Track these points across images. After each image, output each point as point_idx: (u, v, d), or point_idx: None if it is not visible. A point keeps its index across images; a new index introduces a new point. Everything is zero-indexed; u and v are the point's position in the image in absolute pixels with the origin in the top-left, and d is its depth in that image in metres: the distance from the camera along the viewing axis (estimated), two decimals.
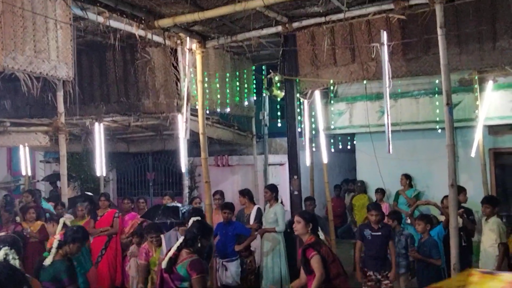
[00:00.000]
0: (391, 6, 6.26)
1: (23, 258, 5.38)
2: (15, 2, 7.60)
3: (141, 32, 6.99)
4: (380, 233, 7.06)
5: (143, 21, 6.45)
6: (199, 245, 4.85)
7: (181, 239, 4.96)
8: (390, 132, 7.45)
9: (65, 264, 5.00)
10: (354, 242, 10.40)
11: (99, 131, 10.83)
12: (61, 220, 6.83)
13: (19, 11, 7.86)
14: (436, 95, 9.96)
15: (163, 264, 4.80)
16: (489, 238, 7.26)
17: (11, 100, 11.68)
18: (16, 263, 3.97)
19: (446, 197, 7.38)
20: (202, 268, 4.71)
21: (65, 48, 8.71)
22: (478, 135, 9.51)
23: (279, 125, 13.11)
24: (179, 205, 9.10)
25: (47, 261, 4.93)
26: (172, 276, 4.73)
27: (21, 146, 11.60)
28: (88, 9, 6.52)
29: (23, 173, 13.08)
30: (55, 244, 5.06)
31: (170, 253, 4.81)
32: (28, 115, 11.03)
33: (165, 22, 6.45)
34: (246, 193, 8.73)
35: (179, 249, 4.82)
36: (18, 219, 8.78)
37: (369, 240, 7.15)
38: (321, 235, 5.25)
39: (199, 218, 6.20)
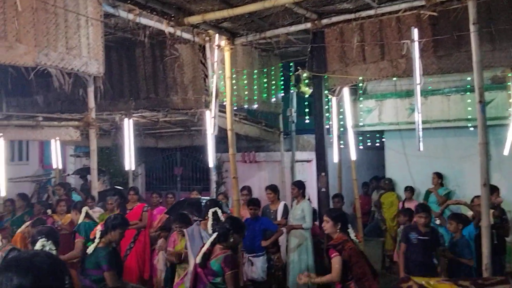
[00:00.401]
0: (422, 2, 6.19)
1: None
2: None
3: (171, 29, 7.08)
4: (427, 238, 6.67)
5: (172, 18, 6.52)
6: (231, 240, 4.92)
7: (214, 235, 5.02)
8: (421, 129, 7.37)
9: (106, 250, 5.13)
10: (383, 241, 10.42)
11: (128, 126, 10.99)
12: (84, 209, 6.99)
13: (52, 8, 8.04)
14: (468, 92, 9.81)
15: (198, 259, 4.88)
16: None
17: (43, 96, 11.95)
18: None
19: (477, 196, 7.29)
20: (235, 264, 4.80)
21: (96, 44, 8.88)
22: (511, 134, 9.33)
23: (307, 121, 13.12)
24: (203, 199, 9.17)
25: (89, 250, 5.11)
26: (206, 271, 4.80)
27: (52, 141, 11.81)
28: (118, 6, 6.64)
29: (54, 166, 13.35)
30: (97, 234, 5.21)
31: (204, 249, 4.89)
32: (59, 110, 11.25)
33: (195, 19, 6.51)
34: (274, 189, 8.75)
35: (212, 244, 4.89)
36: (49, 211, 8.98)
37: (414, 244, 6.69)
38: (351, 233, 5.22)
39: (217, 209, 6.27)
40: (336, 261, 4.92)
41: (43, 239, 4.13)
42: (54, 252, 4.10)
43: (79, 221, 7.05)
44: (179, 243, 7.00)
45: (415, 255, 6.69)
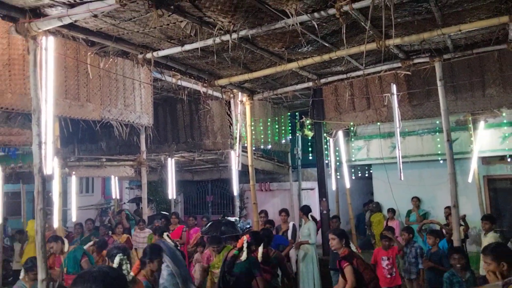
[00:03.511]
0: (399, 64, 6.23)
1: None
2: (111, 69, 8.00)
3: (204, 89, 7.20)
4: None
5: (206, 81, 6.63)
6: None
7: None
8: (401, 163, 7.32)
9: (254, 259, 5.11)
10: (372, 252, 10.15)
11: (171, 164, 11.06)
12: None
13: (114, 75, 8.25)
14: (437, 133, 9.75)
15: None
16: None
17: (106, 142, 12.13)
18: (128, 266, 3.88)
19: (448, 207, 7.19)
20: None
21: (147, 102, 9.06)
22: (473, 165, 9.21)
23: (310, 158, 13.10)
24: (233, 219, 9.11)
25: (243, 257, 5.06)
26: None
27: (112, 177, 11.94)
28: (164, 73, 6.80)
29: (113, 197, 13.42)
30: (245, 244, 5.14)
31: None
32: (118, 153, 11.40)
33: (223, 81, 6.62)
34: (287, 212, 8.65)
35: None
36: (110, 233, 8.98)
37: None
38: (353, 247, 5.07)
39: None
40: (349, 270, 4.73)
41: (120, 254, 3.89)
42: (128, 265, 3.89)
43: (65, 250, 6.43)
44: (215, 258, 6.90)
45: None
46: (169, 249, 6.62)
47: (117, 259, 3.82)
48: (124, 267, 3.82)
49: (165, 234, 7.01)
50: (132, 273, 3.92)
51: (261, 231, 6.28)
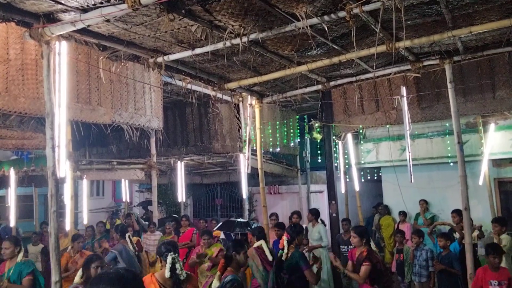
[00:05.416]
0: (408, 66, 6.18)
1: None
2: (122, 73, 8.06)
3: (213, 93, 7.20)
4: None
5: (215, 84, 6.63)
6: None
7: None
8: (411, 165, 7.25)
9: (300, 253, 5.09)
10: (382, 255, 10.06)
11: (180, 167, 11.09)
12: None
13: (124, 79, 8.31)
14: (447, 135, 9.66)
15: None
16: None
17: (116, 145, 12.19)
18: (180, 264, 3.66)
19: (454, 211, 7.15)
20: None
21: (157, 105, 9.11)
22: (484, 167, 9.11)
23: (319, 161, 13.06)
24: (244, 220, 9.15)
25: (284, 255, 5.07)
26: None
27: (122, 180, 11.98)
28: (174, 77, 6.82)
29: (123, 200, 13.47)
30: (285, 242, 5.16)
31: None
32: (128, 156, 11.45)
33: (232, 85, 6.61)
34: (299, 214, 8.57)
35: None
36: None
37: None
38: (373, 246, 5.02)
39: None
40: (366, 269, 4.73)
41: (172, 253, 3.63)
42: (181, 263, 3.67)
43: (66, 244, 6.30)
44: (202, 251, 6.90)
45: None
46: (126, 253, 6.61)
47: (169, 259, 3.60)
48: (177, 265, 3.61)
49: (127, 235, 6.92)
50: (184, 271, 3.70)
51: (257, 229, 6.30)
